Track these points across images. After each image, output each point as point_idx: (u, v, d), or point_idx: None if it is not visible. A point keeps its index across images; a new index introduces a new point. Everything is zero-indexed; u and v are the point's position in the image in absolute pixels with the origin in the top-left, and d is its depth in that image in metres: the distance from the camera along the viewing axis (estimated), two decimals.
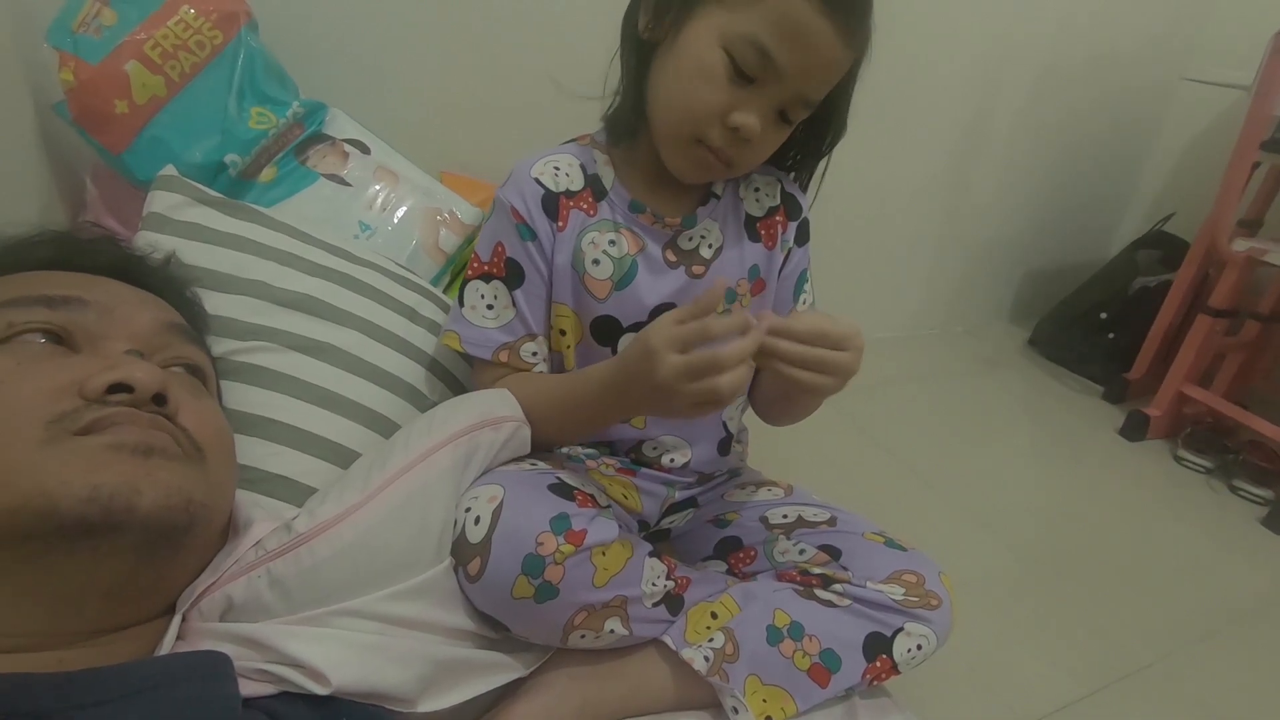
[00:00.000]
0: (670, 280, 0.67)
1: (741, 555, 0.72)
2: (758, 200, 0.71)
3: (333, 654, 0.44)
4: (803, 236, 0.73)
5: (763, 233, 0.70)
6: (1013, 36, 1.55)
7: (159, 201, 0.68)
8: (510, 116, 1.11)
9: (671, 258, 0.67)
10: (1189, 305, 1.56)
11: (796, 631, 0.62)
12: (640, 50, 0.62)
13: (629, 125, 0.65)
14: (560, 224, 0.65)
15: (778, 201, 0.71)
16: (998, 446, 1.45)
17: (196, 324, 0.57)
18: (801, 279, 0.73)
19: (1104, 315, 1.73)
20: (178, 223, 0.67)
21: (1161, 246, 1.77)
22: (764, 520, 0.72)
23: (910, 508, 1.16)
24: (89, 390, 0.40)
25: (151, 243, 0.63)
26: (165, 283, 0.55)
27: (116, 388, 0.40)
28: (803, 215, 0.72)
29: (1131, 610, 1.03)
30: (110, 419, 0.39)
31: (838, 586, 0.63)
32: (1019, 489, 1.31)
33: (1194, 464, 1.44)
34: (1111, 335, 1.71)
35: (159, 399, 0.42)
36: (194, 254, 0.64)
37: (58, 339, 0.43)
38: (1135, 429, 1.52)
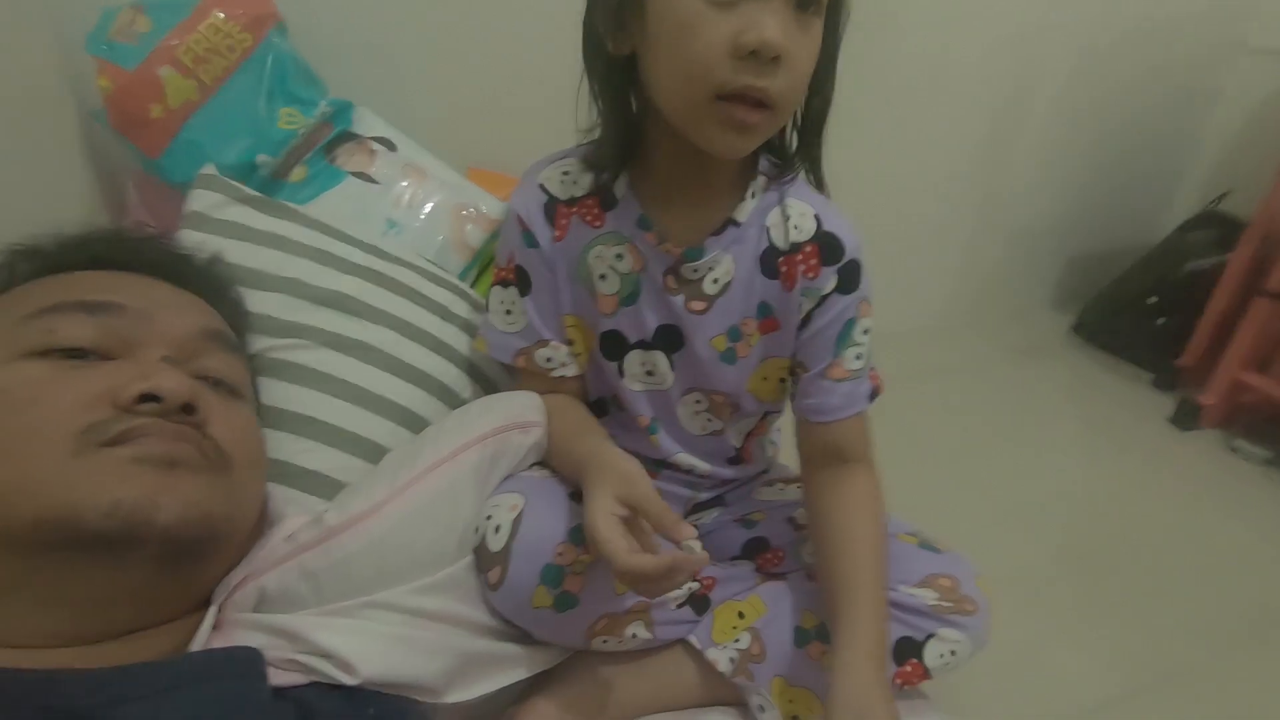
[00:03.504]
0: (669, 307, 0.62)
1: (770, 556, 0.71)
2: (786, 232, 0.61)
3: (361, 645, 0.45)
4: (848, 283, 0.61)
5: (782, 269, 0.61)
6: (1054, 6, 1.47)
7: (199, 200, 0.69)
8: (535, 111, 1.10)
9: (672, 284, 0.61)
10: (1245, 288, 1.48)
11: (825, 634, 0.61)
12: (619, 70, 0.55)
13: (619, 150, 0.59)
14: (558, 233, 0.62)
15: (808, 238, 0.61)
16: (1040, 437, 1.40)
17: (237, 326, 0.57)
18: (847, 331, 0.62)
19: (1153, 300, 1.65)
20: (217, 221, 0.68)
21: (1215, 226, 1.68)
22: (792, 521, 0.71)
23: (947, 503, 1.13)
24: (120, 400, 0.40)
25: (192, 241, 0.64)
26: (208, 284, 0.56)
27: (146, 397, 0.41)
28: (846, 258, 0.61)
29: (1181, 608, 0.99)
30: (139, 430, 0.40)
31: None
32: (1063, 481, 1.27)
33: (1251, 454, 1.38)
34: (1161, 320, 1.64)
35: (188, 408, 0.42)
36: (232, 252, 0.65)
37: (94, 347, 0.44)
38: (1187, 417, 1.45)
